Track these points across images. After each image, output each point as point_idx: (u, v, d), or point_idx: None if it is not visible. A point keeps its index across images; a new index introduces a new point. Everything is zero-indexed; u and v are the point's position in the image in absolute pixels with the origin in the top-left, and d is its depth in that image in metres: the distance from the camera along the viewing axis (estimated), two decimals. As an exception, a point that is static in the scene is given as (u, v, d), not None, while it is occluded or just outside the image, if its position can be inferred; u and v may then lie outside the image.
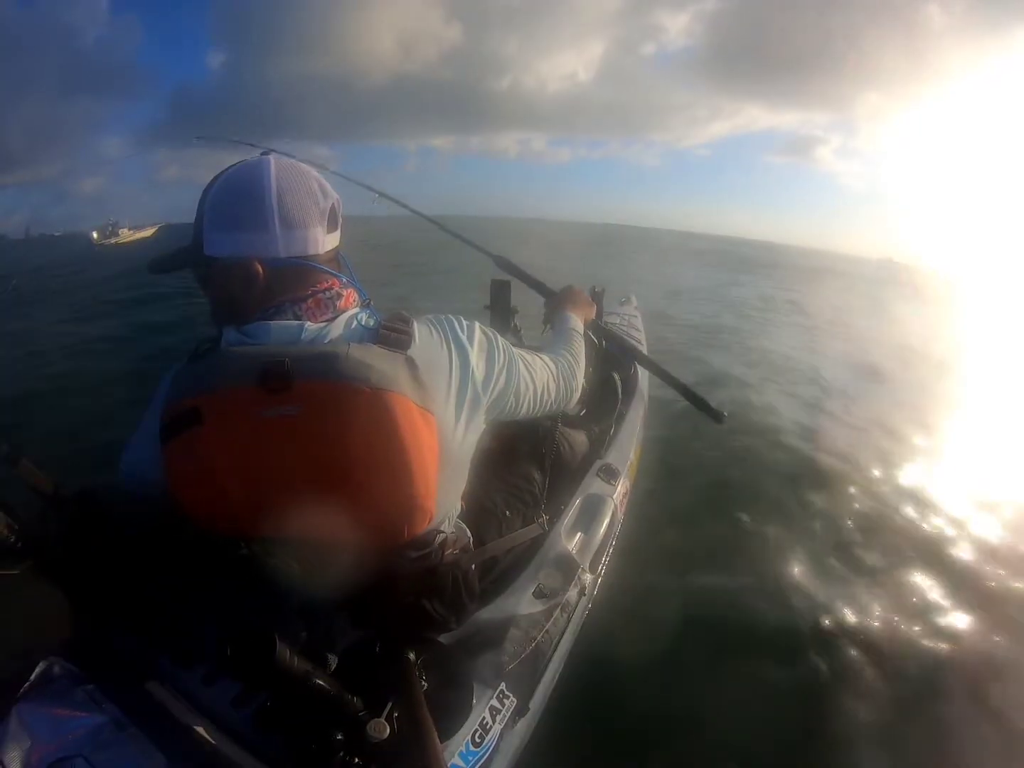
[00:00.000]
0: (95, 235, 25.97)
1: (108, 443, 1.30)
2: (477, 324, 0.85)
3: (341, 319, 0.76)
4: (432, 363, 0.75)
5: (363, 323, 0.77)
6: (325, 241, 0.78)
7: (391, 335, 0.74)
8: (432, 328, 0.80)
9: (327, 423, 0.66)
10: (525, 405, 0.90)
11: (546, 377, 0.95)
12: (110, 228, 27.00)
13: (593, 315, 1.36)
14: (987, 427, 3.59)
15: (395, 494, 0.70)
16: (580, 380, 1.07)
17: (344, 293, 0.80)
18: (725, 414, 1.49)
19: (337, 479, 0.68)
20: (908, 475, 2.75)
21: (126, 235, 26.73)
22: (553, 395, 0.97)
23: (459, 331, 0.81)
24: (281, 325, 0.73)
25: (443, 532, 0.85)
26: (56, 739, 0.62)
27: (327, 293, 0.77)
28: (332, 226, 0.80)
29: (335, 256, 0.82)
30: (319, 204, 0.77)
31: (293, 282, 0.75)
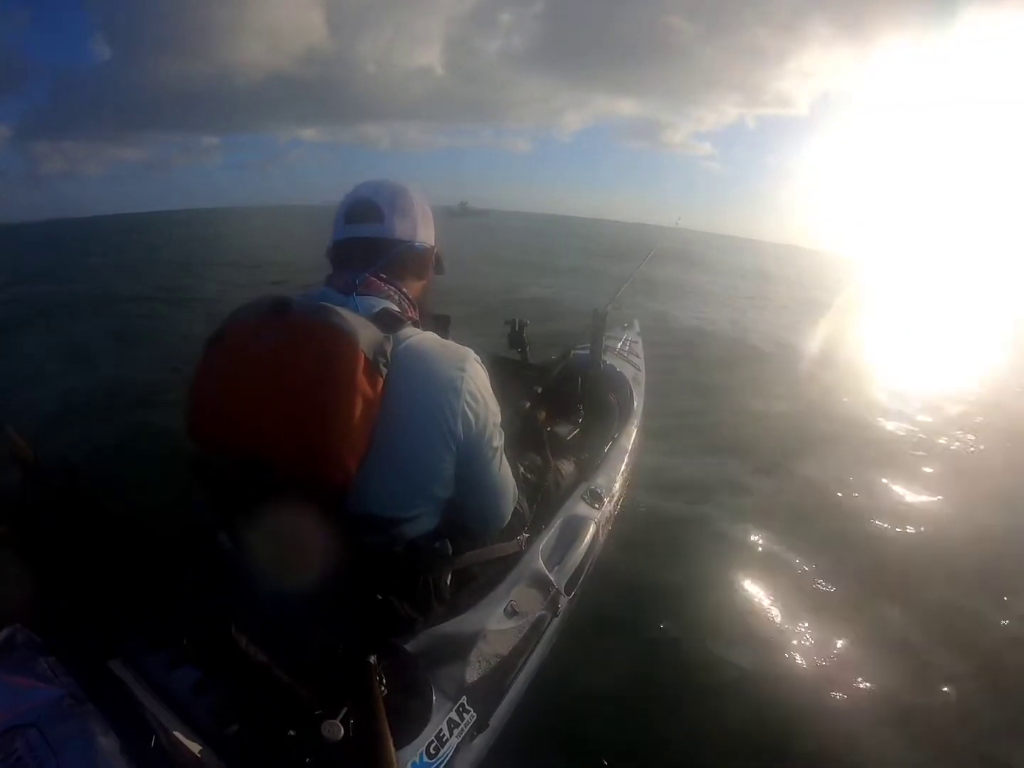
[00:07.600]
0: None
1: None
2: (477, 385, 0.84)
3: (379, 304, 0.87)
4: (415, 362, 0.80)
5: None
6: None
7: (387, 319, 0.82)
8: (452, 354, 0.83)
9: (299, 352, 0.73)
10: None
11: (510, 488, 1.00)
12: None
13: None
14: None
15: (322, 422, 0.72)
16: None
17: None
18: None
19: (287, 400, 0.72)
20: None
21: None
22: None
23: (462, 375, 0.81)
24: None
25: (406, 519, 0.83)
26: (12, 707, 0.62)
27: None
28: None
29: None
30: None
31: None
